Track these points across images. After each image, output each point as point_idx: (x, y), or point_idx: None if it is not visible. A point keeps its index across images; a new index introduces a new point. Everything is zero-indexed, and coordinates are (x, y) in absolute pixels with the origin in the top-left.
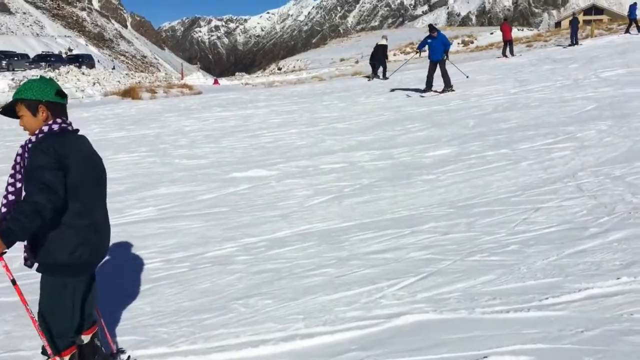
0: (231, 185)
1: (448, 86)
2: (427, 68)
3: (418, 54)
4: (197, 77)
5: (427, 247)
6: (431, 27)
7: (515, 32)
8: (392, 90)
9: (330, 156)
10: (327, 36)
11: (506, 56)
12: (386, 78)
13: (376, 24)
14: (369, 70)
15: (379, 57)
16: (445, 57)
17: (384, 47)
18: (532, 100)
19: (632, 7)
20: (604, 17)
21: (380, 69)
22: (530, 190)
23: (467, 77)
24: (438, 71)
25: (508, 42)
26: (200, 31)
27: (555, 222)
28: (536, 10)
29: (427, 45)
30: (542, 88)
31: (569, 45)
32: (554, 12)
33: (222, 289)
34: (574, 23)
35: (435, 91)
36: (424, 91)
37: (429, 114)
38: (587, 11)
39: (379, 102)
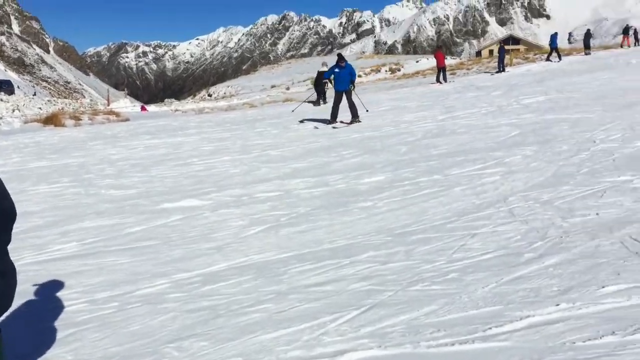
0: (162, 217)
1: (355, 117)
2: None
3: (327, 84)
4: (125, 104)
5: (367, 278)
6: (340, 57)
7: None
8: (302, 121)
9: (265, 184)
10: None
11: (440, 82)
12: (325, 102)
13: (306, 51)
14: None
15: (320, 82)
16: (352, 87)
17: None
18: (459, 127)
19: (553, 37)
20: (521, 47)
21: (322, 95)
22: (464, 216)
23: (367, 110)
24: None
25: (442, 69)
26: (127, 57)
27: (492, 248)
28: (458, 40)
29: (333, 75)
30: (467, 115)
31: (497, 72)
32: (474, 41)
33: (154, 331)
34: (501, 51)
35: (342, 121)
36: (330, 122)
37: (362, 140)
38: (506, 41)
39: (310, 128)
